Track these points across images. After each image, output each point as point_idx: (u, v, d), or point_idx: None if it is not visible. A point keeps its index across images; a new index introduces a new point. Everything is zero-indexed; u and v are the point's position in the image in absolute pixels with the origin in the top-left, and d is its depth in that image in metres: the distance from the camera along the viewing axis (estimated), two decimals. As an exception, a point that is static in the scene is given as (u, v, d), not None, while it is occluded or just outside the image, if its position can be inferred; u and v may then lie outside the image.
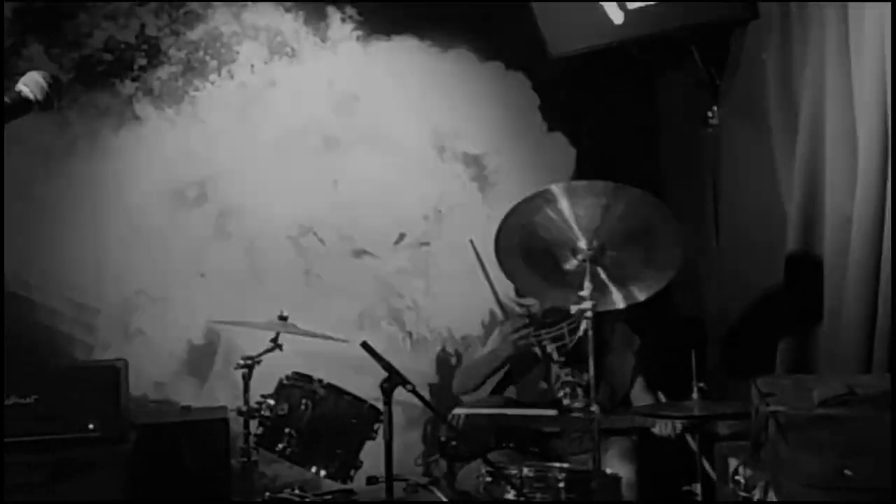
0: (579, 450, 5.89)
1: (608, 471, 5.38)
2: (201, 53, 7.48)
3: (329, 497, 6.13)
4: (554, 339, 6.05)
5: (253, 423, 5.97)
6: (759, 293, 6.55)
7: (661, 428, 5.83)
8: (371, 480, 5.73)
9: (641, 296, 5.11)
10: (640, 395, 6.27)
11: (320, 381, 5.98)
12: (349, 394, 5.98)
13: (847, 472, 3.32)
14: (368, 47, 7.75)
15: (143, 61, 7.38)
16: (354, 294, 7.66)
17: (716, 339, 7.19)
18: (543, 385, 6.18)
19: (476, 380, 6.24)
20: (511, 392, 6.32)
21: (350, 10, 7.70)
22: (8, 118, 3.46)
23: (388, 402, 4.78)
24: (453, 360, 7.76)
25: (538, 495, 5.14)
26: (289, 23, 7.63)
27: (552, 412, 6.03)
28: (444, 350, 7.78)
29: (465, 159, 7.87)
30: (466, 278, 7.72)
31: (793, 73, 5.96)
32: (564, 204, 4.85)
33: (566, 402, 6.08)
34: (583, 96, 7.98)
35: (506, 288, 7.22)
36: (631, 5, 6.77)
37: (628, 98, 8.01)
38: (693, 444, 5.62)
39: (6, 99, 3.48)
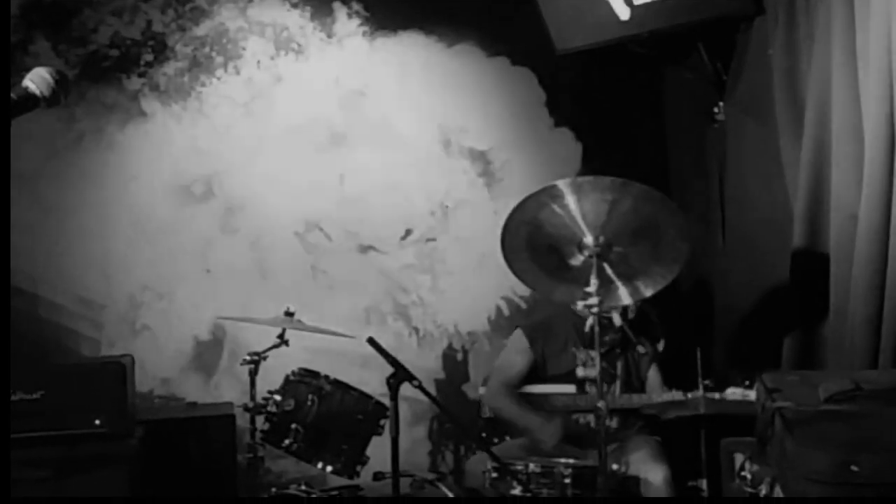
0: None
1: (615, 467, 5.38)
2: (207, 49, 7.48)
3: (335, 493, 6.14)
4: (624, 308, 6.04)
5: (259, 419, 5.99)
6: (764, 289, 6.55)
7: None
8: (377, 476, 5.75)
9: (648, 291, 5.11)
10: (654, 388, 6.24)
11: (326, 376, 5.99)
12: (355, 390, 6.00)
13: (854, 467, 3.30)
14: (374, 43, 7.75)
15: (149, 57, 7.38)
16: (361, 290, 7.67)
17: (722, 334, 7.20)
18: (580, 355, 6.19)
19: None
20: None
21: (356, 6, 7.69)
22: (14, 114, 3.46)
23: (394, 397, 4.78)
24: (459, 356, 7.76)
25: (544, 491, 5.16)
26: (295, 18, 7.63)
27: (571, 388, 6.09)
28: (450, 346, 7.78)
29: (471, 155, 7.86)
30: (473, 274, 7.74)
31: (799, 68, 5.96)
32: (571, 200, 4.86)
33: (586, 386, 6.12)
34: (589, 92, 7.97)
35: (511, 283, 7.21)
36: (637, 1, 6.79)
37: (634, 94, 8.01)
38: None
39: (12, 95, 3.47)
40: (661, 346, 6.28)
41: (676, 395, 5.86)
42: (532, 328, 6.39)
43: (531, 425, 6.00)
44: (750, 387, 5.38)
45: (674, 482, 5.62)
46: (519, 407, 6.16)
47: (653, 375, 6.25)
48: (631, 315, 6.09)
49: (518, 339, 6.36)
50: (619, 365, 6.19)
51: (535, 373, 6.27)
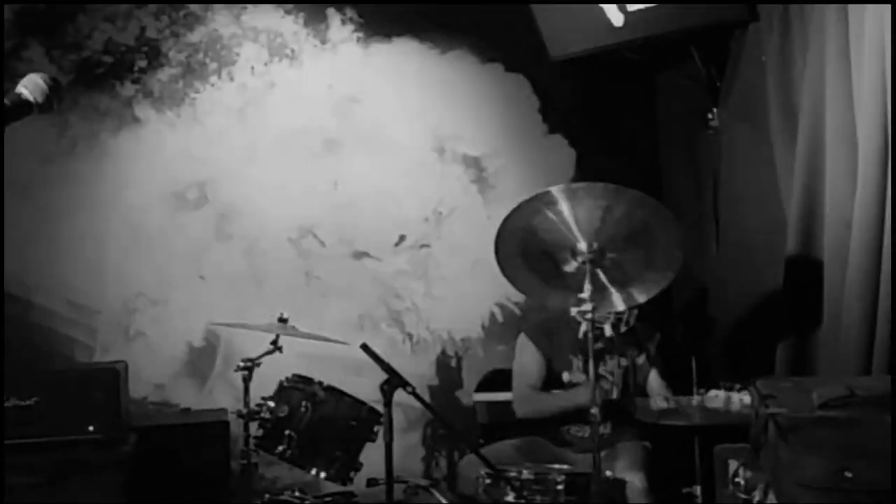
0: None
1: (608, 473, 5.37)
2: (201, 55, 7.49)
3: (329, 499, 6.15)
4: (616, 321, 6.02)
5: (253, 426, 5.97)
6: (758, 295, 6.55)
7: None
8: (371, 482, 5.74)
9: (641, 298, 5.11)
10: (655, 392, 6.23)
11: (320, 383, 5.99)
12: (349, 396, 5.99)
13: (847, 473, 3.31)
14: (368, 49, 7.75)
15: (142, 63, 7.39)
16: (354, 296, 7.67)
17: (716, 341, 7.19)
18: (576, 361, 6.18)
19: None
20: None
21: (350, 12, 7.70)
22: (8, 120, 3.46)
23: (388, 403, 4.79)
24: (453, 363, 7.77)
25: (538, 497, 5.15)
26: (289, 25, 7.64)
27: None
28: (443, 352, 7.78)
29: (465, 161, 7.87)
30: (466, 280, 7.74)
31: (793, 75, 5.96)
32: (564, 206, 4.85)
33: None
34: (583, 98, 7.98)
35: (505, 289, 7.19)
36: (631, 7, 6.78)
37: (628, 100, 8.01)
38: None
39: (6, 101, 3.48)
40: (641, 359, 6.27)
41: (662, 403, 5.86)
42: (534, 329, 6.39)
43: (571, 401, 5.98)
44: (731, 389, 5.36)
45: (653, 491, 5.61)
46: (551, 396, 6.18)
47: (653, 380, 6.25)
48: (624, 328, 6.07)
49: (524, 343, 6.35)
50: (617, 371, 6.19)
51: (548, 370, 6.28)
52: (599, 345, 6.05)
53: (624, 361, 6.19)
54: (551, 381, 6.20)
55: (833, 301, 5.35)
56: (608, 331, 6.00)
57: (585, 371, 5.94)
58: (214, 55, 7.52)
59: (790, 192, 5.88)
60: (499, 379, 6.99)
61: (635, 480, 5.58)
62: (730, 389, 5.35)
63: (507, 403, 6.39)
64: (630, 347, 6.23)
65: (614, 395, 6.13)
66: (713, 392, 5.44)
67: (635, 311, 5.96)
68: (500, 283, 5.26)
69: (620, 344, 6.13)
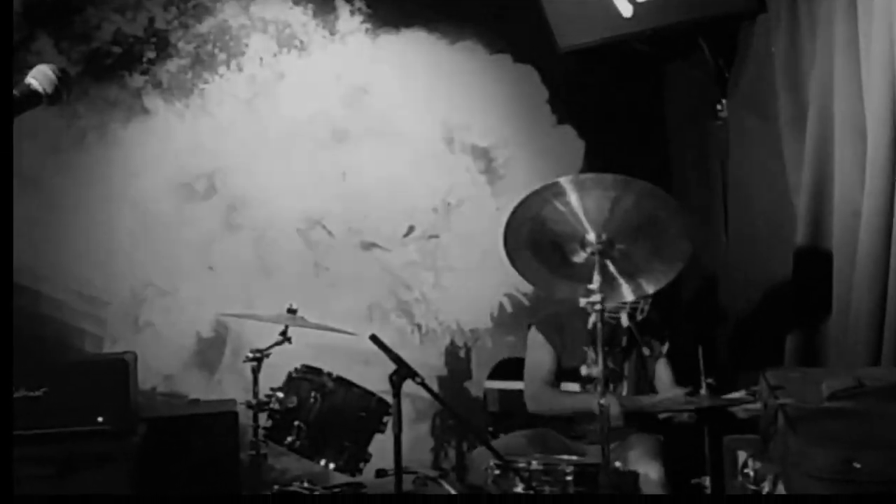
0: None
1: (617, 464, 5.36)
2: (210, 46, 7.49)
3: (338, 490, 6.15)
4: (632, 310, 6.00)
5: (262, 416, 5.98)
6: (767, 286, 6.54)
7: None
8: (380, 473, 5.75)
9: (650, 288, 5.10)
10: (665, 386, 6.21)
11: (329, 373, 5.99)
12: (358, 387, 5.99)
13: (856, 464, 3.31)
14: (377, 40, 7.75)
15: (151, 54, 7.39)
16: (363, 287, 7.67)
17: (724, 332, 7.19)
18: (591, 353, 6.15)
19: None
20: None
21: (359, 3, 7.70)
22: (17, 111, 3.46)
23: (397, 394, 4.77)
24: (462, 353, 7.77)
25: (546, 488, 5.14)
26: (297, 15, 7.63)
27: (575, 386, 6.07)
28: (452, 343, 7.78)
29: (473, 152, 7.86)
30: (475, 271, 7.74)
31: (801, 65, 5.95)
32: (573, 197, 4.84)
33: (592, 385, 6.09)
34: (591, 89, 7.97)
35: (514, 279, 7.18)
36: (640, -2, 6.79)
37: (637, 91, 8.00)
38: None
39: (15, 92, 3.48)
40: (664, 348, 6.25)
41: (679, 392, 5.84)
42: (544, 322, 6.35)
43: (585, 404, 5.88)
44: (753, 394, 5.33)
45: (669, 482, 5.60)
46: (565, 397, 6.13)
47: (662, 373, 6.22)
48: (640, 317, 6.05)
49: (535, 337, 6.29)
50: (628, 365, 6.17)
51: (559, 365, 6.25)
52: (623, 339, 6.09)
53: (647, 351, 6.18)
54: (563, 374, 6.20)
55: (842, 292, 5.35)
56: (625, 321, 5.97)
57: (604, 363, 5.95)
58: (223, 46, 7.52)
59: (799, 182, 5.87)
60: (511, 367, 6.98)
61: (651, 472, 5.56)
62: (751, 394, 5.33)
63: (519, 392, 6.38)
64: (651, 337, 6.21)
65: (625, 390, 6.12)
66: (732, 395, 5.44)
67: (649, 300, 5.93)
68: (509, 273, 5.25)
69: (641, 335, 6.11)
